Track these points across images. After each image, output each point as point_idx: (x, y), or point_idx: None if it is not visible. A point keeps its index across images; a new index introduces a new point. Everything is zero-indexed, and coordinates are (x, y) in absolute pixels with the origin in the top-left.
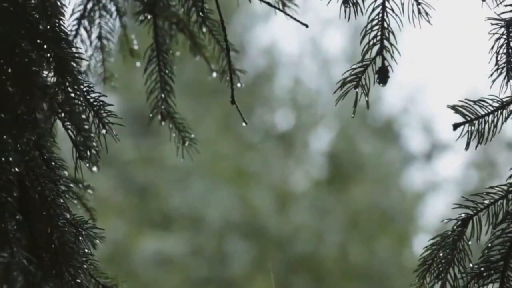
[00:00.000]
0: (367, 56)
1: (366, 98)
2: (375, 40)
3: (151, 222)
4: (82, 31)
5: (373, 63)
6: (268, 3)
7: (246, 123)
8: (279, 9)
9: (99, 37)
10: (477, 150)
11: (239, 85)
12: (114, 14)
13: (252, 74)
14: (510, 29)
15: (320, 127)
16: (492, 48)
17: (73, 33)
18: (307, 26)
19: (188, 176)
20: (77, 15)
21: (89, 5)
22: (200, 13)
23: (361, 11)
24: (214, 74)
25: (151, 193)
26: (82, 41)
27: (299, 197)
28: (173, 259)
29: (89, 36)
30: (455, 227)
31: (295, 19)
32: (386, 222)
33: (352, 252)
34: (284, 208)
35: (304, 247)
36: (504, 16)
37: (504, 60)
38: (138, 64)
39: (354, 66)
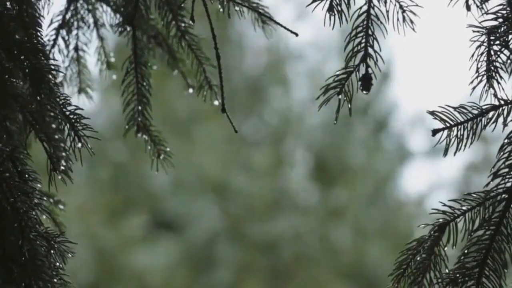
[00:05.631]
0: (351, 63)
1: (349, 105)
2: (359, 47)
3: (138, 228)
4: (60, 41)
5: (356, 70)
6: (259, 12)
7: (236, 132)
8: (269, 17)
9: (76, 49)
10: (478, 152)
11: (216, 102)
12: (92, 25)
13: (247, 78)
14: (491, 37)
15: (312, 128)
16: (473, 55)
17: (51, 43)
18: (297, 34)
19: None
20: (55, 25)
21: (68, 15)
22: (190, 21)
23: (346, 19)
24: (191, 90)
25: (141, 196)
26: (59, 51)
27: (290, 199)
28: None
29: (66, 47)
30: (431, 232)
31: (285, 27)
32: (381, 223)
33: (344, 254)
34: (274, 212)
35: (294, 250)
36: (485, 24)
37: (485, 68)
38: (114, 77)
39: (337, 73)
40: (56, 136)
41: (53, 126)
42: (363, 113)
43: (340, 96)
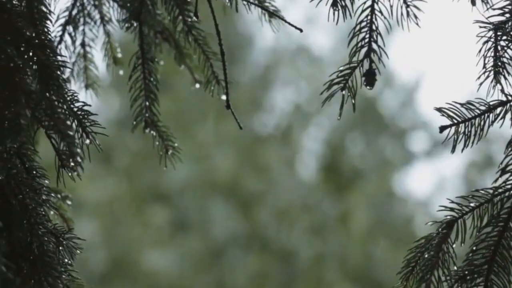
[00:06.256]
0: (355, 58)
1: (353, 101)
2: (363, 42)
3: (154, 230)
4: (67, 37)
5: (360, 66)
6: (262, 7)
7: (241, 128)
8: (273, 13)
9: (83, 44)
10: (480, 149)
11: (223, 97)
12: (98, 21)
13: (249, 78)
14: (498, 33)
15: (316, 129)
16: (480, 51)
17: (58, 39)
18: (301, 30)
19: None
20: (62, 21)
21: (74, 11)
22: (194, 17)
23: (350, 14)
24: (198, 85)
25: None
26: (66, 47)
27: (298, 205)
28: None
29: (73, 43)
30: (440, 230)
31: (289, 23)
32: (386, 226)
33: (352, 259)
34: (283, 219)
35: (304, 258)
36: (492, 19)
37: (492, 63)
38: (121, 72)
39: (341, 68)
40: (70, 133)
41: (68, 122)
42: (369, 114)
43: (344, 92)
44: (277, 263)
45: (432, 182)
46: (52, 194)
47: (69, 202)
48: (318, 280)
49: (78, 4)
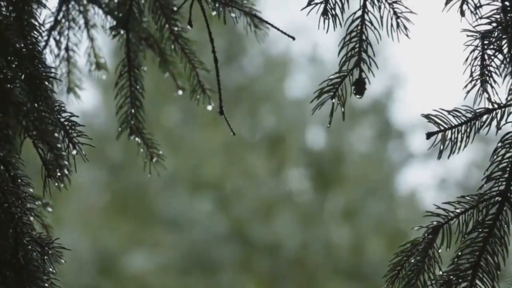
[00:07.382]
0: (345, 67)
1: (342, 109)
2: (353, 52)
3: (139, 226)
4: (52, 42)
5: (350, 75)
6: (257, 17)
7: (234, 134)
8: (265, 21)
9: (66, 49)
10: (479, 150)
11: (209, 107)
12: (82, 26)
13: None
14: (485, 42)
15: (310, 128)
16: (467, 59)
17: (43, 43)
18: (293, 38)
19: (174, 182)
20: (47, 26)
21: (59, 17)
22: (189, 27)
23: (340, 23)
24: (180, 92)
25: (139, 197)
26: (51, 51)
27: (287, 200)
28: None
29: (58, 47)
30: (426, 235)
31: (281, 31)
32: (380, 224)
33: (342, 255)
34: (271, 212)
35: (291, 251)
36: (479, 28)
37: (479, 72)
38: (104, 77)
39: (331, 77)
40: (59, 145)
41: (56, 135)
42: (363, 114)
43: (333, 100)
44: (264, 257)
45: (427, 180)
46: (36, 203)
47: (49, 209)
48: (306, 274)
49: (63, 9)
